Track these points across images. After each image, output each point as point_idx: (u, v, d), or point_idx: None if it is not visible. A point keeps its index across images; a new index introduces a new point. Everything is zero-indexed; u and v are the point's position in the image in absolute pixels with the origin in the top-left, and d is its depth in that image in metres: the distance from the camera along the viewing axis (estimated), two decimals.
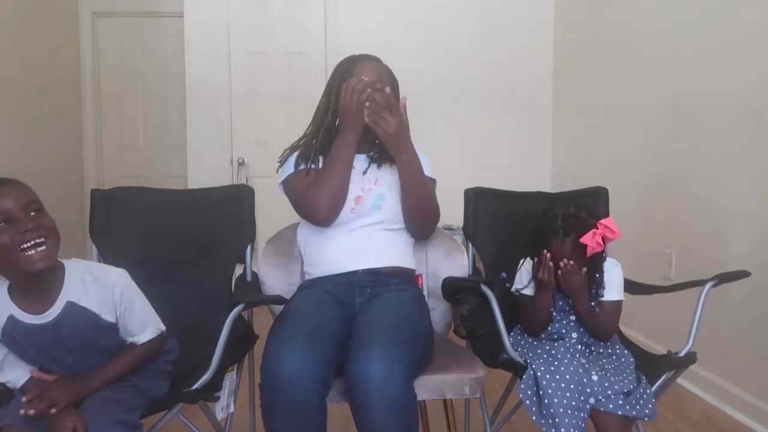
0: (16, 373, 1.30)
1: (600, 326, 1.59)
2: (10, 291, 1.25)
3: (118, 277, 1.32)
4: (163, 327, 1.40)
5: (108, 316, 1.29)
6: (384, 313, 1.51)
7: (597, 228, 1.53)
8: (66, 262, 1.30)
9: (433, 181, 1.80)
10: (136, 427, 1.26)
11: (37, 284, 1.24)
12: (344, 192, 1.66)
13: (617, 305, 1.61)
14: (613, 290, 1.60)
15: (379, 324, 1.45)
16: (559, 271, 1.52)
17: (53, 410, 1.18)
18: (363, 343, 1.39)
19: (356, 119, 1.64)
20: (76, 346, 1.28)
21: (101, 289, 1.28)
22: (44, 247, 1.19)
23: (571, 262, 1.52)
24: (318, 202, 1.64)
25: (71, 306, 1.26)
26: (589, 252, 1.53)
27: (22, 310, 1.24)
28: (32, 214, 1.20)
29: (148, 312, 1.37)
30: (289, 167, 1.75)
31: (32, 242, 1.17)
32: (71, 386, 1.25)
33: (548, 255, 1.53)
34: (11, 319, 1.24)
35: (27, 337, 1.25)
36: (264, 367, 1.38)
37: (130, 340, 1.35)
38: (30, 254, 1.17)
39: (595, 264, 1.58)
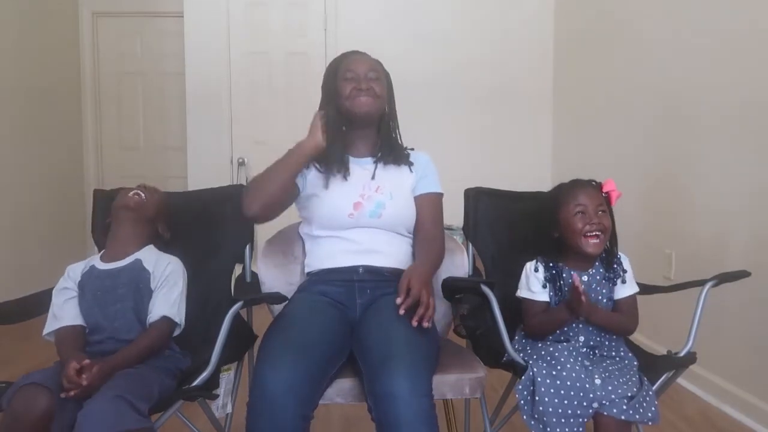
0: (72, 314, 1.52)
1: (630, 323, 1.59)
2: (103, 253, 1.61)
3: (173, 261, 1.61)
4: (181, 321, 1.55)
5: (152, 283, 1.55)
6: (398, 325, 1.47)
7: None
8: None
9: (440, 195, 1.79)
10: (141, 414, 1.27)
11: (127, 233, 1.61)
12: (279, 200, 1.67)
13: (635, 297, 1.62)
14: (629, 282, 1.61)
15: (397, 338, 1.43)
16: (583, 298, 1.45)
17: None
18: (385, 359, 1.37)
19: (315, 140, 1.62)
20: (123, 294, 1.53)
21: (159, 262, 1.58)
22: None
23: (583, 287, 1.46)
24: (251, 203, 1.64)
25: (136, 261, 1.57)
26: (614, 198, 1.60)
27: (102, 260, 1.59)
28: None
29: (179, 302, 1.55)
30: None
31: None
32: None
33: (580, 283, 1.46)
34: (91, 267, 1.57)
35: (95, 280, 1.55)
36: (252, 383, 1.38)
37: (149, 314, 1.51)
38: None
39: (611, 242, 1.62)
